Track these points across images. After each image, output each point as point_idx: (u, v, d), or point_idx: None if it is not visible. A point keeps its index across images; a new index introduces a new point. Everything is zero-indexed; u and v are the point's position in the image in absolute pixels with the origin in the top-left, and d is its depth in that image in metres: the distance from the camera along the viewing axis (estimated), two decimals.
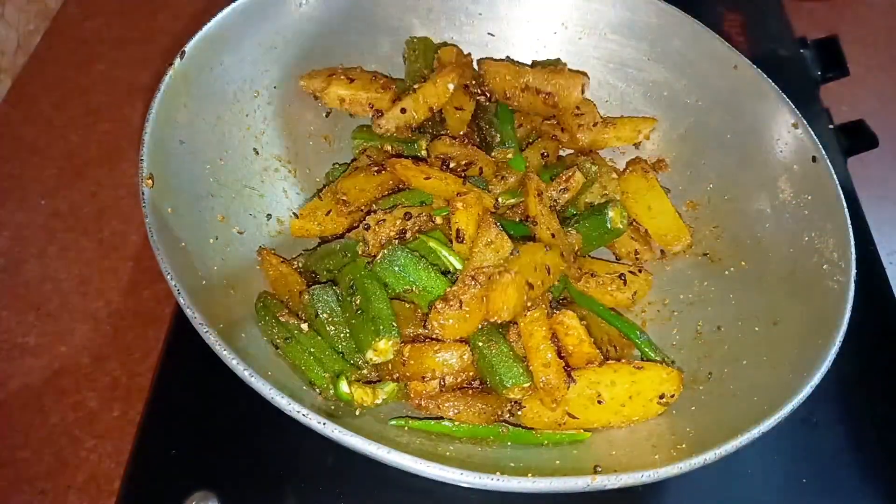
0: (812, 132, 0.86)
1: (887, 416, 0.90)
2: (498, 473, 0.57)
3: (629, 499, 0.79)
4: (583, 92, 0.94)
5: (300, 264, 0.83)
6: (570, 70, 0.97)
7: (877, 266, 1.04)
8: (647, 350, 0.81)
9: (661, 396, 0.72)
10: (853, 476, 0.86)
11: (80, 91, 1.24)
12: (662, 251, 0.93)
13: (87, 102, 1.23)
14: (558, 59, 1.03)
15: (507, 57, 1.04)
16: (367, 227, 0.81)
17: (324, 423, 0.57)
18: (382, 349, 0.71)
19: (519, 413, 0.73)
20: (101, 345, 0.97)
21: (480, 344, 0.74)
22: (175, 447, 0.79)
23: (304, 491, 0.77)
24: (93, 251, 1.06)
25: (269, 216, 0.86)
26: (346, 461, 0.79)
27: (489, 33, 1.03)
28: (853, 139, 1.19)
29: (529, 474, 0.58)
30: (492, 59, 0.99)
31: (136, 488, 0.78)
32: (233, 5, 0.84)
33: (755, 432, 0.63)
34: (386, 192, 0.86)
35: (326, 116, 0.97)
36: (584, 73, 0.96)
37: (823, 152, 0.84)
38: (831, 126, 1.20)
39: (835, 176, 0.83)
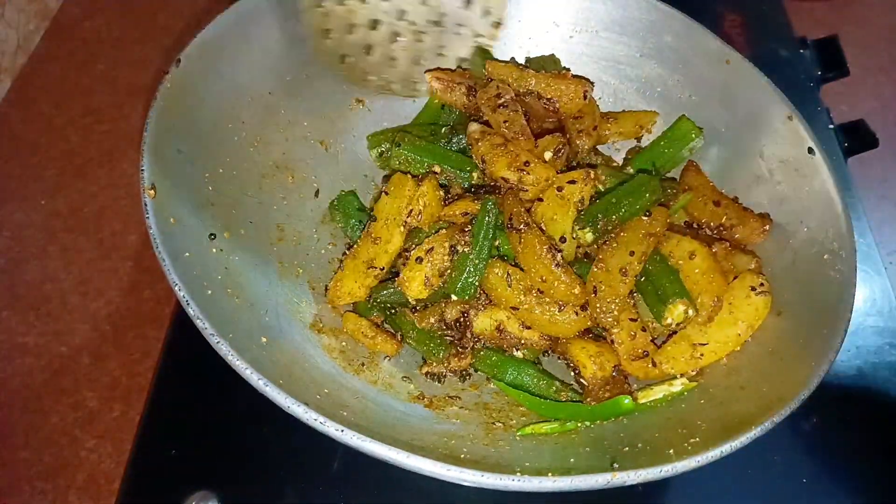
0: (806, 123, 0.87)
1: (887, 416, 0.90)
2: (518, 473, 0.57)
3: (629, 499, 0.79)
4: (585, 98, 0.93)
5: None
6: (573, 76, 0.96)
7: (877, 266, 1.04)
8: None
9: (753, 288, 0.77)
10: (853, 476, 0.86)
11: (80, 91, 1.24)
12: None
13: (87, 102, 1.23)
14: (552, 55, 1.02)
15: (513, 58, 1.04)
16: (420, 261, 0.79)
17: (342, 431, 0.57)
18: (678, 314, 0.76)
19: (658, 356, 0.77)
20: (101, 345, 0.97)
21: (658, 258, 0.79)
22: (175, 447, 0.79)
23: (305, 491, 0.77)
24: (93, 251, 1.06)
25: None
26: (346, 461, 0.79)
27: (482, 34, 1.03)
28: (853, 139, 1.19)
29: (549, 474, 0.58)
30: (497, 60, 0.99)
31: (136, 488, 0.78)
32: (226, 11, 0.84)
33: (768, 423, 0.63)
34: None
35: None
36: (588, 80, 0.96)
37: (819, 143, 0.85)
38: (831, 126, 1.20)
39: (831, 166, 0.83)
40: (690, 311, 0.75)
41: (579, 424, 0.74)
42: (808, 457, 0.86)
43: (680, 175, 0.95)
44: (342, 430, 0.57)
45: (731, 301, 0.77)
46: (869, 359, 0.94)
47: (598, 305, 0.76)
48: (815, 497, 0.83)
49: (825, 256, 0.78)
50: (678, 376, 0.76)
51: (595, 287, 0.76)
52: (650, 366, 0.77)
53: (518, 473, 0.57)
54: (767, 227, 0.86)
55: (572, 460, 0.68)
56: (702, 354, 0.76)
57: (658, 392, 0.74)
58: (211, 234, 0.76)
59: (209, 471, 0.78)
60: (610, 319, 0.76)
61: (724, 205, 0.89)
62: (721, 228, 0.88)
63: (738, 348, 0.77)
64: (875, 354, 0.95)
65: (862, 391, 0.92)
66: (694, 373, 0.77)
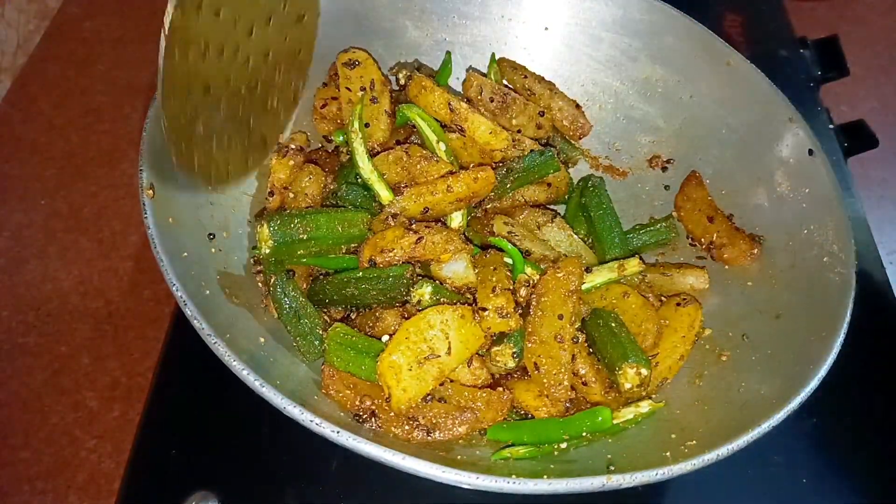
0: (807, 125, 0.87)
1: (887, 416, 0.90)
2: (514, 476, 0.57)
3: (629, 499, 0.79)
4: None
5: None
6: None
7: (877, 266, 1.04)
8: None
9: (678, 304, 0.80)
10: (853, 476, 0.86)
11: (80, 91, 1.24)
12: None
13: (87, 102, 1.23)
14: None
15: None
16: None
17: (338, 432, 0.57)
18: (632, 377, 0.73)
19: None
20: (101, 345, 0.97)
21: (600, 322, 0.77)
22: (175, 447, 0.79)
23: (304, 491, 0.77)
24: (93, 251, 1.06)
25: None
26: (347, 462, 0.79)
27: (482, 34, 1.03)
28: (853, 139, 1.19)
29: (545, 476, 0.58)
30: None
31: (136, 488, 0.78)
32: None
33: (765, 426, 0.63)
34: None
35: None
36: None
37: (819, 145, 0.85)
38: (831, 126, 1.20)
39: (832, 168, 0.83)
40: (643, 371, 0.73)
41: (556, 446, 0.70)
42: (808, 457, 0.86)
43: (681, 185, 0.96)
44: (338, 432, 0.57)
45: (665, 317, 0.81)
46: (869, 359, 0.94)
47: (545, 381, 0.72)
48: (815, 497, 0.83)
49: (825, 259, 0.78)
50: (644, 398, 0.75)
51: (536, 363, 0.73)
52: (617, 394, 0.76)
53: (513, 476, 0.57)
54: (756, 251, 0.86)
55: (569, 462, 0.68)
56: (657, 363, 0.77)
57: (628, 413, 0.72)
58: (210, 234, 0.76)
59: (209, 471, 0.78)
60: (562, 391, 0.72)
61: (717, 222, 0.90)
62: (711, 246, 0.89)
63: (688, 350, 0.78)
64: (875, 355, 0.95)
65: (862, 391, 0.92)
66: (659, 386, 0.77)
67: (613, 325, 0.77)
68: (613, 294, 0.81)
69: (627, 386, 0.73)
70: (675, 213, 0.95)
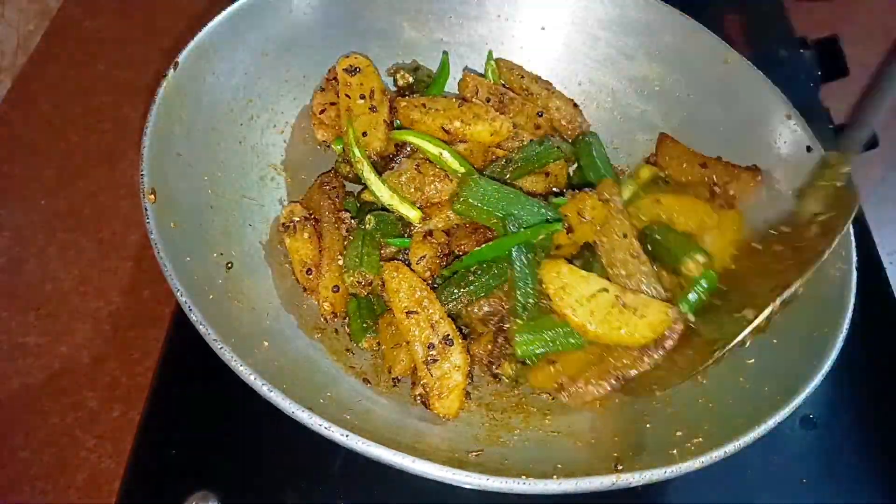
0: (805, 122, 0.87)
1: (887, 416, 0.90)
2: (524, 477, 0.57)
3: (629, 498, 0.79)
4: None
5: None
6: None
7: (877, 266, 1.04)
8: None
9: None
10: (853, 476, 0.86)
11: (80, 91, 1.24)
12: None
13: (87, 102, 1.23)
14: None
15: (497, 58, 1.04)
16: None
17: (347, 436, 0.57)
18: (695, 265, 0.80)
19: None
20: (101, 345, 0.97)
21: (658, 236, 0.83)
22: (175, 447, 0.79)
23: (304, 491, 0.77)
24: (93, 251, 1.06)
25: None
26: (347, 461, 0.79)
27: (479, 34, 1.03)
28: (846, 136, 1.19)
29: (554, 476, 0.58)
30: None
31: (136, 488, 0.78)
32: (222, 14, 0.84)
33: (772, 422, 0.63)
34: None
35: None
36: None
37: (818, 142, 0.85)
38: (831, 126, 1.20)
39: None
40: (701, 257, 0.80)
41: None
42: (808, 457, 0.86)
43: (656, 148, 0.96)
44: (347, 436, 0.57)
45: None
46: (869, 358, 0.94)
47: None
48: (815, 497, 0.83)
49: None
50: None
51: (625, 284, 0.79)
52: None
53: (523, 476, 0.57)
54: (759, 177, 0.87)
55: (576, 461, 0.68)
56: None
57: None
58: (228, 263, 0.76)
59: (209, 471, 0.78)
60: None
61: (711, 165, 0.91)
62: (715, 187, 0.90)
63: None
64: (875, 354, 0.95)
65: (862, 391, 0.92)
66: None
67: (658, 236, 0.83)
68: (646, 209, 0.86)
69: (695, 274, 0.79)
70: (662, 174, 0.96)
